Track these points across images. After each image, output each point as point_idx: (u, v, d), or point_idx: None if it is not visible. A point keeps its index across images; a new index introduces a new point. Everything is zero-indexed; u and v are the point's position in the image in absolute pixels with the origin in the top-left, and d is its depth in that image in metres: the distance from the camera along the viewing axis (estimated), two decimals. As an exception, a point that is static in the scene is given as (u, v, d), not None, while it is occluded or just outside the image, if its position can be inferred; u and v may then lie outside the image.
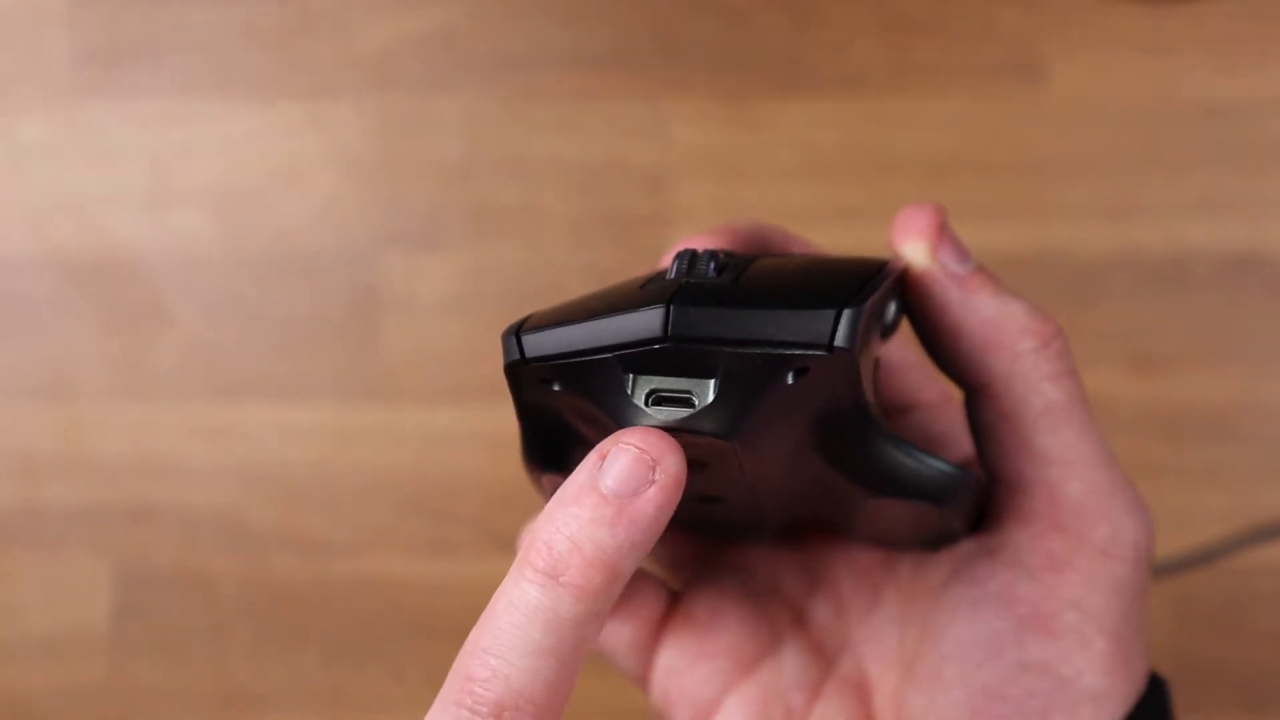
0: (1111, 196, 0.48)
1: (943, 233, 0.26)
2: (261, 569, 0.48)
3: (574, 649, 0.22)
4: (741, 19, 0.49)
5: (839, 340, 0.22)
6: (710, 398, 0.22)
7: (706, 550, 0.30)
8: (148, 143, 0.49)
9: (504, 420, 0.48)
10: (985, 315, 0.26)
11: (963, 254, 0.26)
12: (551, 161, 0.49)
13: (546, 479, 0.26)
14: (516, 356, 0.23)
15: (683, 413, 0.22)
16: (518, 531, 0.48)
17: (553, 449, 0.26)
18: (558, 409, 0.24)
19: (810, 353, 0.22)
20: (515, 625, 0.22)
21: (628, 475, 0.22)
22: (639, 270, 0.48)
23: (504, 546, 0.48)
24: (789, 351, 0.22)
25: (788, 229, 0.34)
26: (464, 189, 0.49)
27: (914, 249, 0.26)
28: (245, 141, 0.49)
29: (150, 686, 0.48)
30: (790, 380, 0.22)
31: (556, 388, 0.24)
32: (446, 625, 0.48)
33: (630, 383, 0.23)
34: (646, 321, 0.22)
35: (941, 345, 0.26)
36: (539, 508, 0.48)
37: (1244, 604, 0.47)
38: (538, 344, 0.23)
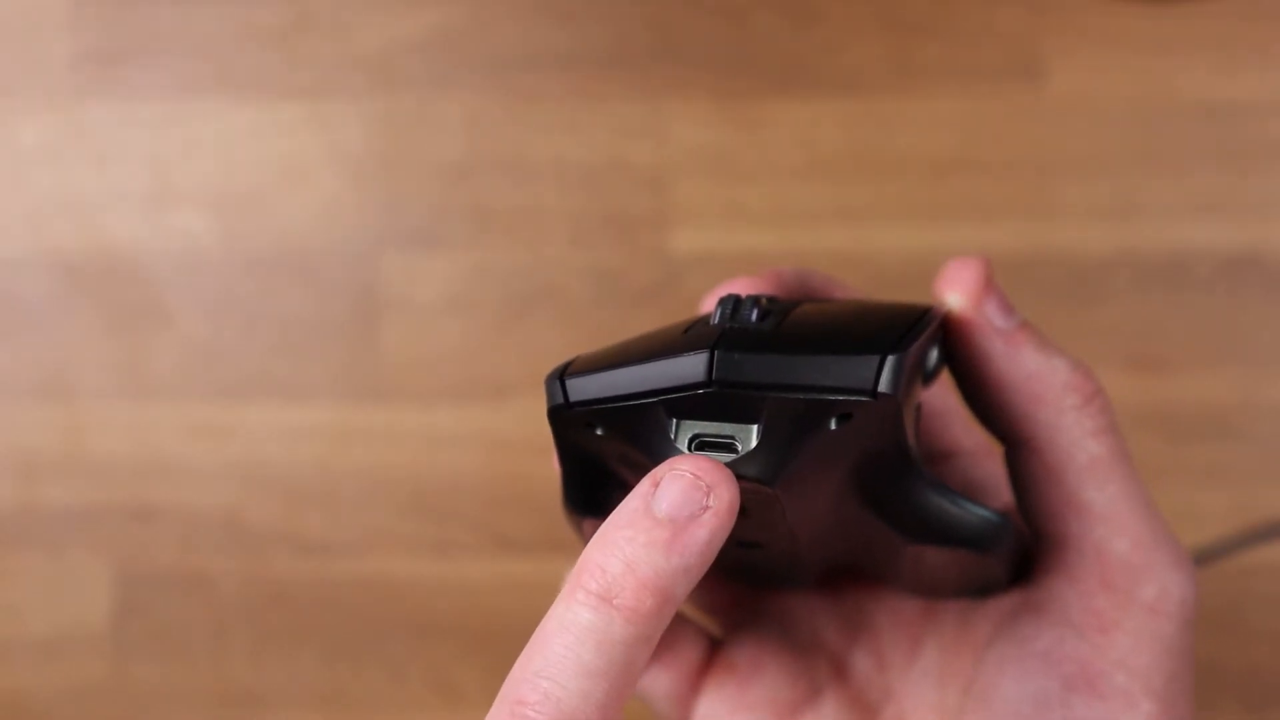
0: (1111, 196, 0.48)
1: (989, 286, 0.26)
2: (261, 569, 0.48)
3: (625, 672, 0.22)
4: (741, 19, 0.49)
5: (883, 386, 0.22)
6: (753, 443, 0.22)
7: (746, 598, 0.30)
8: (148, 143, 0.49)
9: (504, 420, 0.48)
10: (1029, 370, 0.26)
11: (1008, 308, 0.26)
12: (551, 161, 0.49)
13: (587, 523, 0.26)
14: (560, 400, 0.23)
15: (726, 458, 0.22)
16: (518, 531, 0.48)
17: (594, 494, 0.26)
18: (600, 453, 0.24)
19: (854, 398, 0.22)
20: (567, 647, 0.22)
21: (682, 500, 0.22)
22: (639, 270, 0.48)
23: (504, 546, 0.48)
24: (832, 397, 0.22)
25: (831, 274, 0.35)
26: (464, 189, 0.49)
27: (959, 301, 0.26)
28: (245, 141, 0.49)
29: (150, 686, 0.48)
30: (833, 426, 0.22)
31: (599, 432, 0.24)
32: (446, 625, 0.48)
33: (674, 427, 0.23)
34: (691, 366, 0.22)
35: (984, 398, 0.26)
36: (539, 508, 0.48)
37: (1243, 604, 0.47)
38: (581, 388, 0.23)
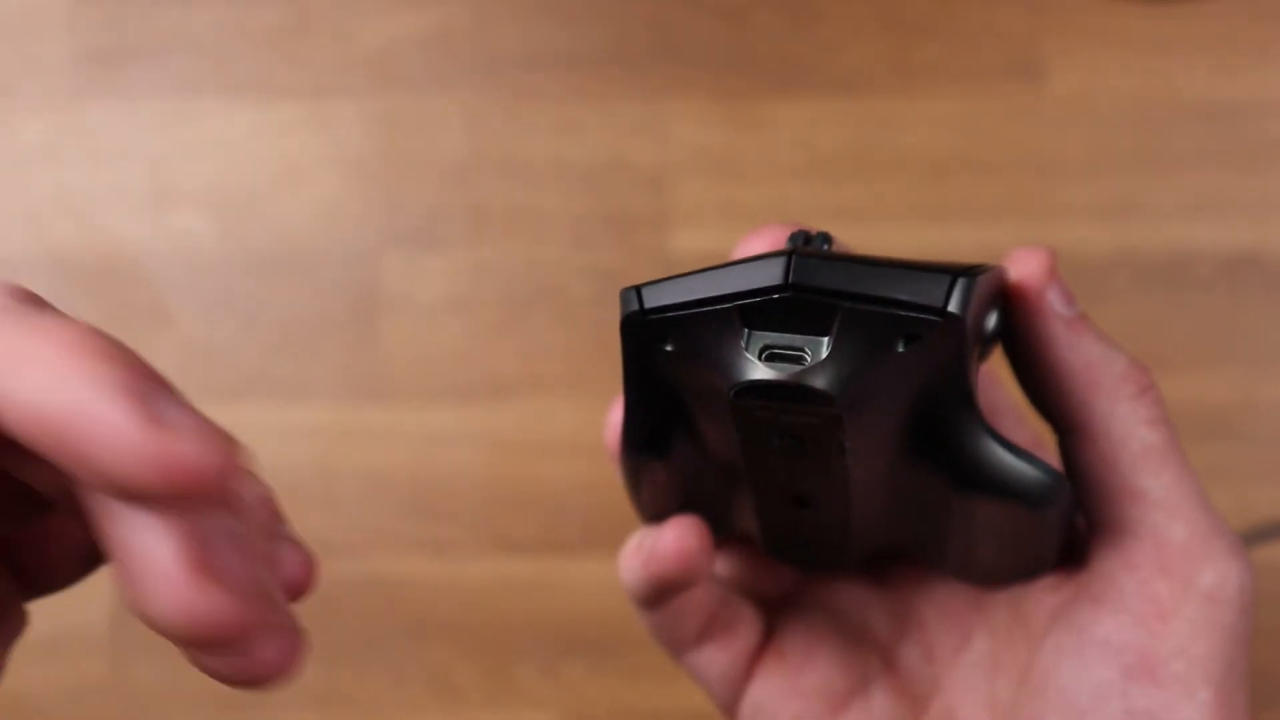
0: (1111, 196, 0.48)
1: (1054, 273, 0.26)
2: (261, 569, 0.48)
3: None
4: (741, 19, 0.49)
5: (953, 305, 0.22)
6: (823, 354, 0.22)
7: (797, 586, 0.31)
8: (148, 143, 0.49)
9: (504, 420, 0.48)
10: (1088, 357, 0.26)
11: (1070, 298, 0.26)
12: (551, 161, 0.49)
13: (648, 469, 0.26)
14: (635, 308, 0.23)
15: (794, 369, 0.22)
16: (517, 531, 0.48)
17: (655, 431, 0.25)
18: (667, 376, 0.24)
19: (924, 316, 0.22)
20: None
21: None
22: (639, 270, 0.48)
23: (504, 546, 0.48)
24: (904, 313, 0.22)
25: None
26: (464, 189, 0.49)
27: (1027, 276, 0.26)
28: (245, 141, 0.49)
29: (150, 687, 0.48)
30: (901, 348, 0.22)
31: (669, 348, 0.23)
32: (446, 625, 0.48)
33: (745, 337, 0.23)
34: (768, 270, 0.22)
35: (1041, 383, 0.27)
36: (538, 508, 0.48)
37: (1244, 604, 0.47)
38: (658, 295, 0.23)
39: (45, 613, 0.48)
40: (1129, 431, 0.26)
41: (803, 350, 0.22)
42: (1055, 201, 0.48)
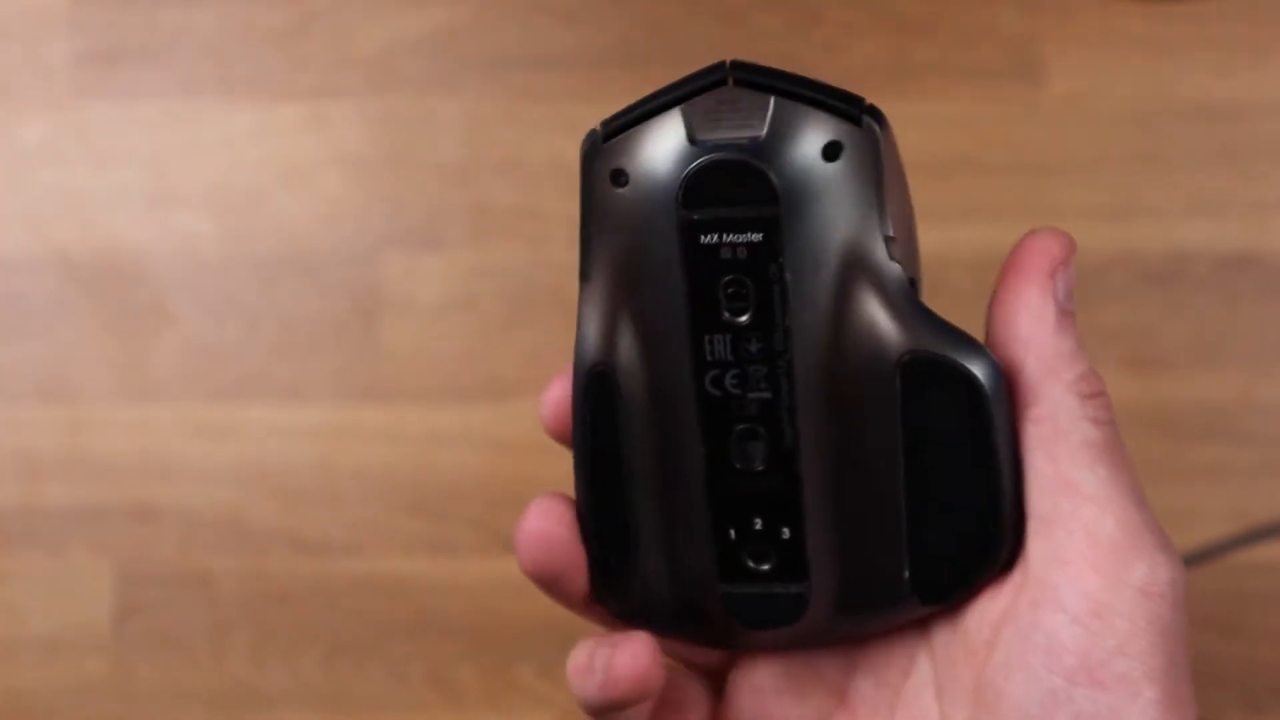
0: (1111, 196, 0.48)
1: (1068, 261, 0.27)
2: (261, 569, 0.48)
3: None
4: (740, 19, 0.49)
5: (867, 117, 0.25)
6: (761, 136, 0.25)
7: (741, 651, 0.30)
8: (149, 143, 0.49)
9: (504, 420, 0.48)
10: (1061, 350, 0.27)
11: (1071, 292, 0.27)
12: (551, 161, 0.49)
13: (595, 423, 0.28)
14: (596, 138, 0.26)
15: (741, 142, 0.25)
16: (518, 531, 0.48)
17: (606, 338, 0.27)
18: (621, 230, 0.26)
19: (842, 121, 0.25)
20: None
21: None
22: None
23: (504, 546, 0.48)
24: (826, 114, 0.25)
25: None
26: (464, 189, 0.49)
27: (1041, 253, 0.27)
28: (246, 141, 0.49)
29: (151, 686, 0.48)
30: (824, 160, 0.25)
31: (623, 190, 0.26)
32: (446, 625, 0.48)
33: (690, 138, 0.25)
34: (710, 71, 0.25)
35: (1009, 349, 0.27)
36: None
37: (1243, 603, 0.47)
38: (612, 122, 0.26)
39: (47, 612, 0.48)
40: (1073, 423, 0.26)
41: (741, 138, 0.25)
42: (1054, 201, 0.48)
